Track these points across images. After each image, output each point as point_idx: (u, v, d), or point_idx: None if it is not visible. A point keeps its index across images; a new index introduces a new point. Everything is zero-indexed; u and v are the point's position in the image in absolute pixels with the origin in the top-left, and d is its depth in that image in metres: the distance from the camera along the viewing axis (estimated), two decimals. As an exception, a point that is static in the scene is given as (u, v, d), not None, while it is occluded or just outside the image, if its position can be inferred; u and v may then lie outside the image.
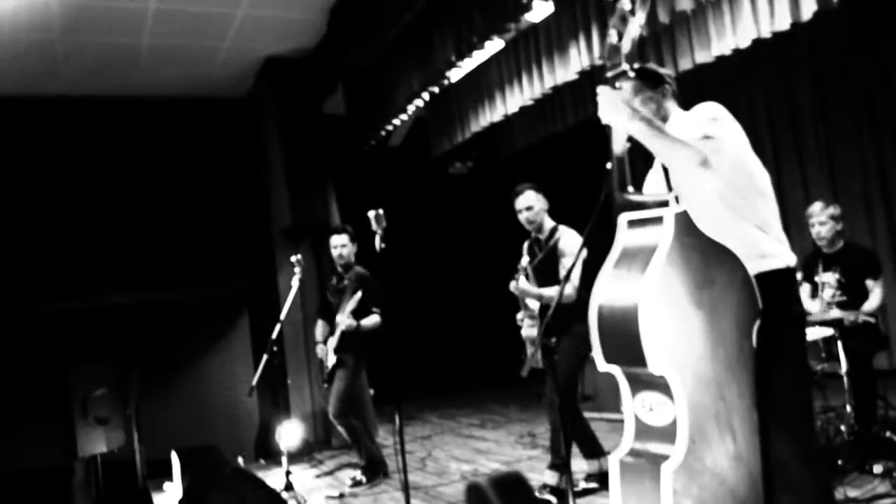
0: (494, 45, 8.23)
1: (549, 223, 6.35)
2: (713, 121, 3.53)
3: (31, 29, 8.40)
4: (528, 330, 6.36)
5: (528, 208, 6.27)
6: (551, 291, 6.02)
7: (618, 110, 3.38)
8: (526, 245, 6.48)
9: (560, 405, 5.81)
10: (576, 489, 5.97)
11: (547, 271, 6.20)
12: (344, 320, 7.44)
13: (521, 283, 6.11)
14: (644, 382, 3.36)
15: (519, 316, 6.43)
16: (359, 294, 7.35)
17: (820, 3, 5.78)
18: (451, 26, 7.77)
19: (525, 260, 6.18)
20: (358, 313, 7.47)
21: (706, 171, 3.39)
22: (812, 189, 9.70)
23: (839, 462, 5.62)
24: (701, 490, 3.21)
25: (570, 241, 6.17)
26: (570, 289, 5.93)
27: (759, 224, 3.60)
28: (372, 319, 7.56)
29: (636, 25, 3.45)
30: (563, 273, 6.03)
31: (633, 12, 3.44)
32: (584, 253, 5.97)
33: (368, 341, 7.66)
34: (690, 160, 3.38)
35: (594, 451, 6.31)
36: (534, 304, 6.28)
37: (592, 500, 6.08)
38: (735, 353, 3.36)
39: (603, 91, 3.42)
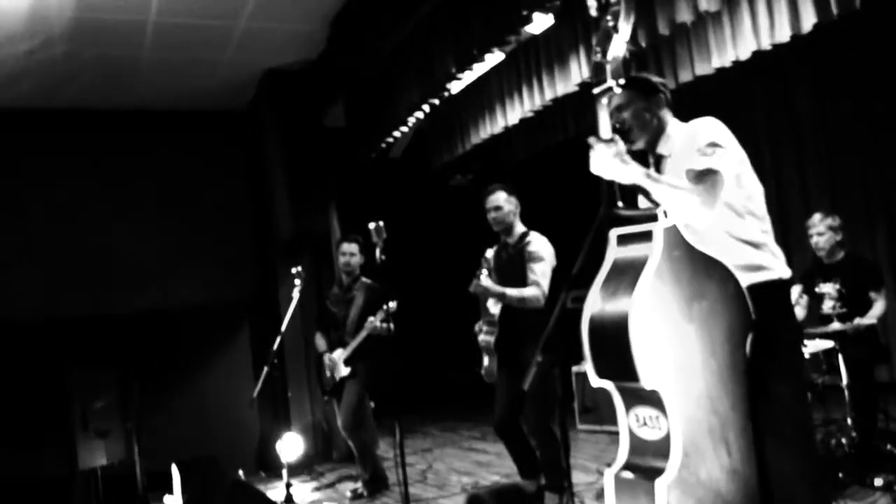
0: (495, 57, 8.23)
1: (519, 228, 6.23)
2: (711, 147, 3.50)
3: (31, 43, 8.41)
4: (486, 336, 6.23)
5: (497, 208, 6.15)
6: (514, 291, 5.90)
7: (610, 165, 3.38)
8: (492, 252, 6.39)
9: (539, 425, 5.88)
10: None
11: (511, 274, 6.06)
12: (375, 322, 7.32)
13: (484, 281, 5.94)
14: (637, 397, 3.36)
15: (477, 326, 6.34)
16: (395, 303, 7.18)
17: (820, 15, 5.78)
18: (452, 38, 7.78)
19: (489, 253, 6.13)
20: (364, 321, 7.43)
21: (701, 213, 3.38)
22: (812, 199, 9.71)
23: (840, 475, 5.62)
24: (697, 504, 3.21)
25: (540, 246, 6.05)
26: (537, 290, 5.88)
27: (752, 241, 3.60)
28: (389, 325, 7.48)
29: (620, 42, 3.47)
30: (531, 277, 5.93)
31: (616, 29, 3.46)
32: (555, 263, 5.98)
33: (379, 355, 7.62)
34: (688, 206, 3.37)
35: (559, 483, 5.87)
36: (494, 309, 6.13)
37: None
38: (728, 366, 3.36)
39: (594, 146, 3.42)
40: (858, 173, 9.49)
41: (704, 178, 3.41)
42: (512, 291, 5.89)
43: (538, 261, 5.97)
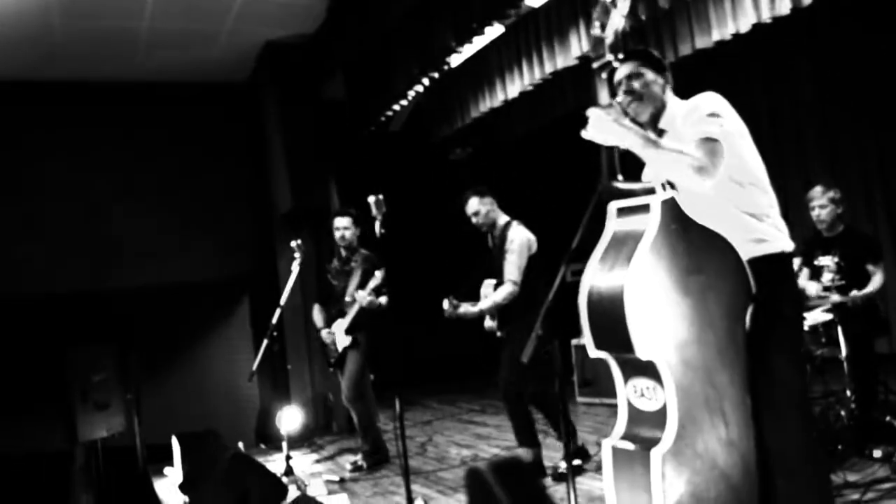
0: (494, 30, 8.21)
1: (501, 220, 6.79)
2: (711, 116, 3.50)
3: (29, 13, 8.36)
4: (489, 323, 6.80)
5: (475, 214, 6.75)
6: (487, 303, 6.53)
7: (608, 129, 3.37)
8: (489, 237, 6.95)
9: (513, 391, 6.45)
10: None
11: (500, 266, 6.59)
12: (364, 296, 7.43)
13: (461, 309, 6.57)
14: (634, 368, 3.38)
15: (487, 325, 6.81)
16: (382, 272, 7.34)
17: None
18: (451, 11, 7.75)
19: (446, 301, 6.60)
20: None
21: (702, 178, 3.37)
22: (812, 174, 9.69)
23: (839, 446, 5.63)
24: (692, 475, 3.22)
25: (513, 238, 6.55)
26: (509, 287, 6.43)
27: (754, 213, 3.60)
28: (383, 298, 7.56)
29: (619, 16, 3.47)
30: (506, 269, 6.48)
31: (614, 4, 3.46)
32: (534, 248, 6.52)
33: (377, 323, 7.68)
34: (688, 169, 3.36)
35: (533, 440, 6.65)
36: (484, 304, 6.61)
37: (587, 484, 6.09)
38: (726, 340, 3.37)
39: (593, 112, 3.42)
40: (858, 147, 9.47)
41: (704, 144, 3.41)
42: (485, 304, 6.56)
43: (510, 253, 6.51)
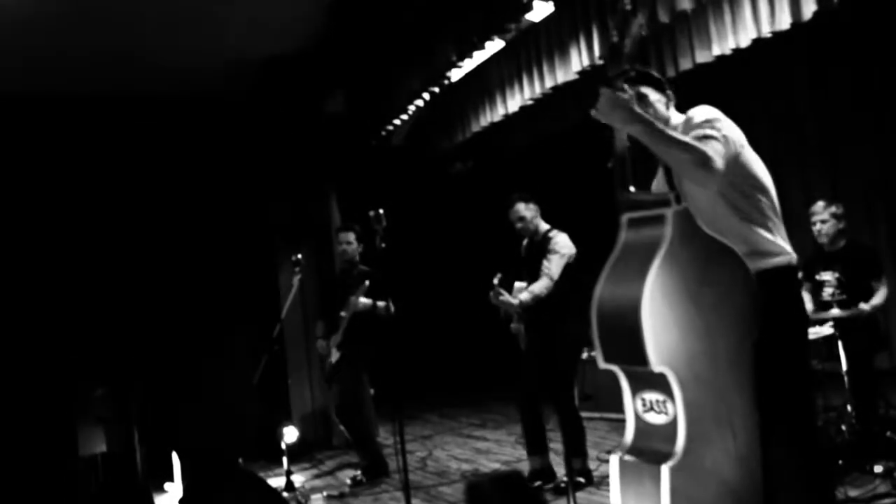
0: (495, 44, 8.22)
1: (543, 227, 6.84)
2: (708, 122, 3.52)
3: (26, 28, 8.35)
4: (515, 325, 6.97)
5: (521, 219, 6.80)
6: (525, 295, 6.53)
7: (618, 111, 3.37)
8: (524, 243, 6.99)
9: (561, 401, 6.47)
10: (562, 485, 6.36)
11: (536, 266, 6.65)
12: (359, 301, 7.47)
13: (503, 297, 6.52)
14: (644, 381, 3.37)
15: (513, 326, 6.96)
16: (366, 283, 7.39)
17: (820, 3, 5.77)
18: (452, 26, 7.77)
19: (497, 278, 6.52)
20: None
21: (707, 172, 3.37)
22: (812, 188, 9.69)
23: (840, 462, 5.62)
24: (701, 490, 3.21)
25: (557, 242, 6.63)
26: (545, 281, 6.50)
27: (761, 222, 3.61)
28: (383, 303, 7.55)
29: (637, 25, 3.47)
30: (545, 266, 6.54)
31: (633, 13, 3.46)
32: (571, 253, 6.57)
33: (373, 338, 7.69)
34: (693, 160, 3.36)
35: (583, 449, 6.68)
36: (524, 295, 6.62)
37: (586, 498, 6.09)
38: (735, 353, 3.36)
39: (604, 92, 3.41)
40: (858, 160, 9.48)
41: (704, 142, 3.41)
42: (524, 296, 6.52)
43: (554, 253, 6.57)
